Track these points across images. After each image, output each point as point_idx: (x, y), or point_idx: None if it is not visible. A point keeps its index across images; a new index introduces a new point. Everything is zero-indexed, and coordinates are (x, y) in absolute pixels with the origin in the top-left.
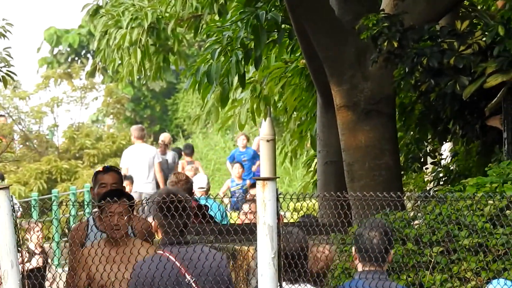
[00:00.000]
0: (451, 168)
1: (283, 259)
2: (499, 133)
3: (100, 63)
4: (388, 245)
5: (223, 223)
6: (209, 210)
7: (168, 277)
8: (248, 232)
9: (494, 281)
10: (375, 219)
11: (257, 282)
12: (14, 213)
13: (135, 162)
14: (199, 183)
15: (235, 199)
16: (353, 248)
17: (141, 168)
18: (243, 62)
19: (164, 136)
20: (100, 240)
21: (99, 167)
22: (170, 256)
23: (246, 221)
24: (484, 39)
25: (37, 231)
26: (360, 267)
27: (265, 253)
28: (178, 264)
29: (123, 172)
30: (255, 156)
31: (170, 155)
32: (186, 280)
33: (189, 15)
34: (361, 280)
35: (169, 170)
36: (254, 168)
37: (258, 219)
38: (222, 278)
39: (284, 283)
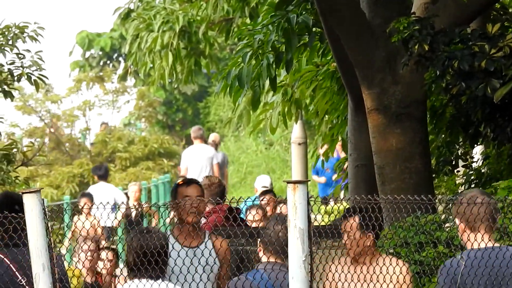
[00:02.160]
0: (483, 171)
1: (142, 257)
2: None
3: (131, 67)
4: None
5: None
6: (240, 213)
7: (2, 277)
8: None
9: None
10: (282, 215)
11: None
12: (45, 216)
13: (193, 162)
14: (262, 183)
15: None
16: (259, 241)
17: (199, 167)
18: (274, 66)
19: (214, 136)
20: (341, 258)
21: (178, 180)
22: (4, 258)
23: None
24: None
25: None
26: (264, 259)
27: (296, 256)
28: (11, 265)
29: (182, 172)
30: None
31: (220, 155)
32: (18, 280)
33: (220, 19)
34: (261, 270)
35: (221, 169)
36: (334, 177)
37: (289, 222)
38: (58, 277)
39: (144, 280)
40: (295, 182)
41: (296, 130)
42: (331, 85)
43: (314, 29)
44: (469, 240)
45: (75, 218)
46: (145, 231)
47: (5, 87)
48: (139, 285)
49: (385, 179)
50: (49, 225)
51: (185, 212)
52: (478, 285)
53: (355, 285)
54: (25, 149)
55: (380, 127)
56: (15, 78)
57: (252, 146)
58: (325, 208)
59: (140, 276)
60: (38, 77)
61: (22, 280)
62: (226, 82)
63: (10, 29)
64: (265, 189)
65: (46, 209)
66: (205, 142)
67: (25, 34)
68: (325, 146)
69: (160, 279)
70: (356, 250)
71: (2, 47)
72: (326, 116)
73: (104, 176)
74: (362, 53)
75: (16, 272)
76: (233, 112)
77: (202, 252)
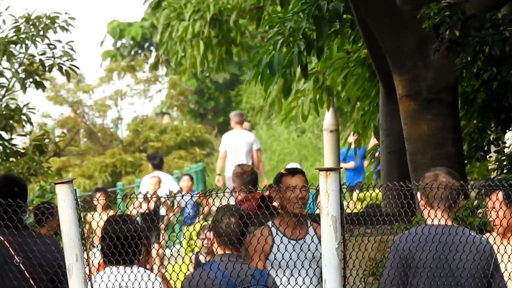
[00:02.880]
0: None
1: (116, 243)
2: None
3: (163, 56)
4: (244, 228)
5: None
6: (273, 201)
7: None
8: (312, 222)
9: None
10: (232, 205)
11: (321, 273)
12: (78, 206)
13: (233, 147)
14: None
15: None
16: (211, 233)
17: (239, 153)
18: (305, 53)
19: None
20: (488, 235)
21: (283, 170)
22: (1, 238)
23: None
24: None
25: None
26: (219, 251)
27: (329, 243)
28: (8, 245)
29: (220, 156)
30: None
31: None
32: (14, 261)
33: (251, 7)
34: (217, 262)
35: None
36: (365, 163)
37: (321, 210)
38: (49, 263)
39: (120, 267)
40: (327, 170)
41: (328, 117)
42: (362, 72)
43: (344, 16)
44: (429, 216)
45: (89, 215)
46: (118, 219)
47: (37, 77)
48: (113, 272)
49: (417, 165)
50: (81, 215)
51: (290, 203)
52: (426, 260)
53: (508, 260)
54: (57, 139)
55: (412, 113)
56: (47, 68)
57: (284, 134)
58: (357, 195)
59: (115, 263)
60: (69, 67)
61: (18, 260)
62: (257, 70)
63: (41, 19)
64: None
65: (79, 200)
66: (245, 128)
67: (56, 25)
68: (354, 135)
69: (133, 264)
70: (506, 226)
71: (33, 38)
72: (358, 103)
73: (158, 165)
74: (392, 39)
75: (13, 254)
76: (264, 100)
77: (309, 245)
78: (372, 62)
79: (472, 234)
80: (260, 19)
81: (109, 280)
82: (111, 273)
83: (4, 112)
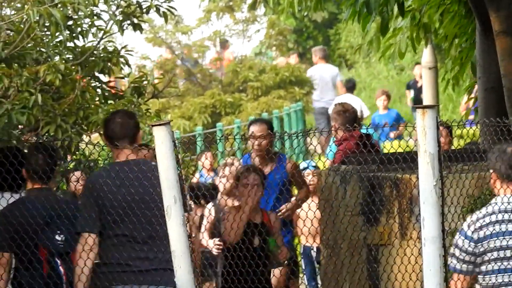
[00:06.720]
0: None
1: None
2: None
3: None
4: (54, 165)
5: None
6: (371, 139)
7: None
8: (410, 160)
9: None
10: (43, 142)
11: (419, 210)
12: (175, 148)
13: (320, 81)
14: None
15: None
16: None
17: (325, 85)
18: None
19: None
20: None
21: None
22: None
23: None
24: None
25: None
26: (30, 185)
27: (427, 180)
28: None
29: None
30: (398, 119)
31: None
32: None
33: None
34: (31, 196)
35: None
36: (392, 135)
37: (418, 147)
38: None
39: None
40: (424, 107)
41: (426, 55)
42: (459, 9)
43: None
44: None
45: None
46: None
47: (134, 19)
48: None
49: None
50: (179, 157)
51: None
52: (124, 195)
53: None
54: (156, 81)
55: (508, 49)
56: (144, 10)
57: (383, 72)
58: (455, 131)
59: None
60: (167, 9)
61: None
62: (354, 9)
63: None
64: None
65: (177, 141)
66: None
67: None
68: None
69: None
70: None
71: None
72: (456, 40)
73: (351, 88)
74: None
75: None
76: (363, 38)
77: None
78: None
79: (154, 163)
80: None
81: None
82: None
83: (102, 55)
